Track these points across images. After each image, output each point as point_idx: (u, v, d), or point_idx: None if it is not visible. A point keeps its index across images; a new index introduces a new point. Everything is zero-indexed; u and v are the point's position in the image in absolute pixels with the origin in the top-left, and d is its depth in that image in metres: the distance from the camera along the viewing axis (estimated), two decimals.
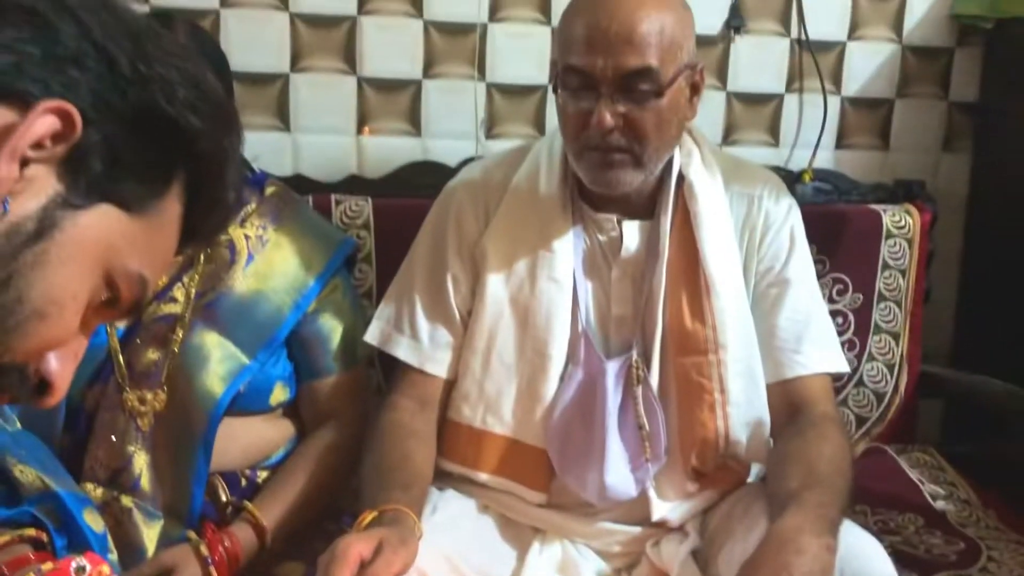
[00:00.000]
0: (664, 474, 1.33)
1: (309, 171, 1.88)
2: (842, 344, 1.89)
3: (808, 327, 1.34)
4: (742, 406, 1.30)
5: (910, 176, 2.06)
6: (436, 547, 1.18)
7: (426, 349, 1.36)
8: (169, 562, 1.21)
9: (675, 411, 1.32)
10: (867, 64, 2.04)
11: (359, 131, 1.90)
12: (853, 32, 2.02)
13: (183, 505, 1.29)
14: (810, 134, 2.03)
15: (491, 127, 1.94)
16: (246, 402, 1.34)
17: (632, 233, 1.35)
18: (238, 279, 1.35)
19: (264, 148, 1.86)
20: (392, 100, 1.90)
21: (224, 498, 1.32)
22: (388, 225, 1.78)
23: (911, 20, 2.03)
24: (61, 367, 0.62)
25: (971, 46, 2.05)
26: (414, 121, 1.92)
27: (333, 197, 1.79)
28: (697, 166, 1.36)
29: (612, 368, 1.32)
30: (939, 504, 1.71)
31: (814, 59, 2.00)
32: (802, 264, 1.38)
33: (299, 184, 1.85)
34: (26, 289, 0.57)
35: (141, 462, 1.28)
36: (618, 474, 1.30)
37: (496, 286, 1.35)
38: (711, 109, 2.00)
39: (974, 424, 1.92)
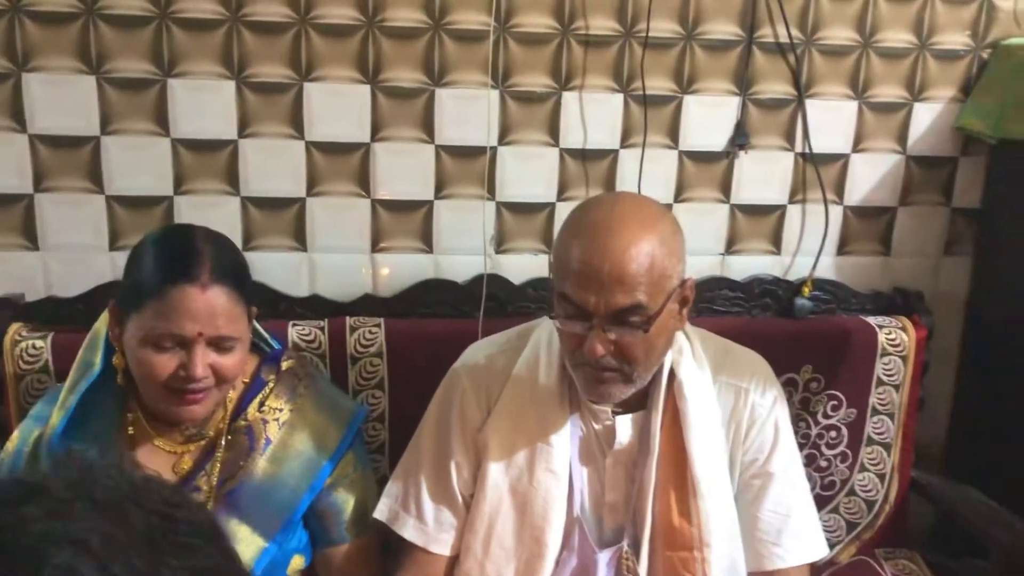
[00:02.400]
0: None
1: (325, 290, 1.97)
2: (835, 456, 2.01)
3: (788, 520, 1.43)
4: None
5: (911, 281, 2.12)
6: None
7: (431, 531, 1.47)
8: None
9: None
10: (870, 174, 2.08)
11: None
12: (857, 144, 2.06)
13: None
14: (812, 242, 2.09)
15: (501, 243, 2.01)
16: None
17: (625, 426, 1.43)
18: (257, 464, 1.45)
19: (282, 268, 1.95)
20: (405, 220, 1.97)
21: None
22: (400, 348, 1.88)
23: (915, 132, 2.07)
24: None
25: (975, 155, 2.09)
26: (426, 239, 1.99)
27: (348, 323, 1.88)
28: (688, 363, 1.44)
29: (603, 558, 1.42)
30: None
31: (817, 172, 2.04)
32: (785, 456, 1.46)
33: (315, 304, 1.94)
34: None
35: None
36: None
37: (496, 475, 1.44)
38: (713, 221, 2.06)
39: (962, 531, 2.00)
